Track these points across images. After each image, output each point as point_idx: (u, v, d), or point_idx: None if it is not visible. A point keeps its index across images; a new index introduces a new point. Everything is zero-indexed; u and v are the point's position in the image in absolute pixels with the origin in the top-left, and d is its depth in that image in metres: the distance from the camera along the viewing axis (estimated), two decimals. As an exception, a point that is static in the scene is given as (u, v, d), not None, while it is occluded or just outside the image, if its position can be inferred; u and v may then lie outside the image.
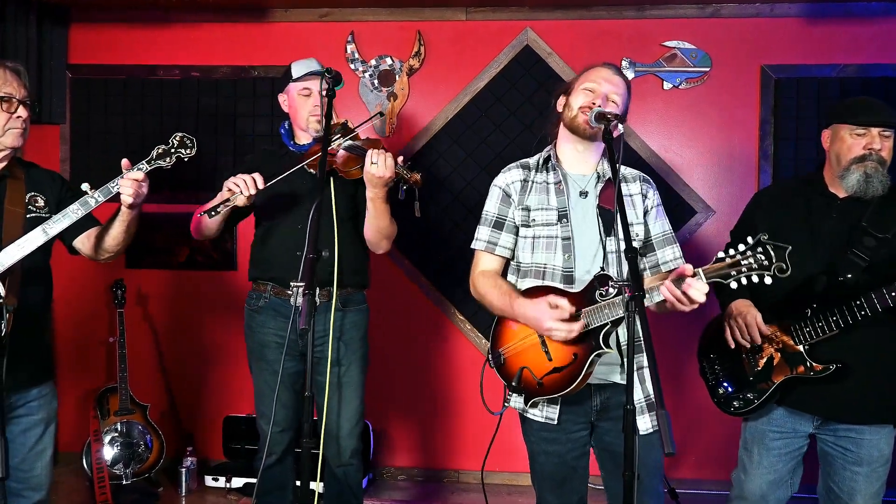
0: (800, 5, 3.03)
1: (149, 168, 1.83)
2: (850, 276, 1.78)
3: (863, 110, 1.85)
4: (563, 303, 1.62)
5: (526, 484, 3.21)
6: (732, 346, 1.89)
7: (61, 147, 3.35)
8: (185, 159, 1.89)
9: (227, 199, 2.01)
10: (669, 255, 1.79)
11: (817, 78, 3.05)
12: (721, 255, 1.54)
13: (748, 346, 1.87)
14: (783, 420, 1.92)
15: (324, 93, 1.87)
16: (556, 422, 1.72)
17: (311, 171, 2.10)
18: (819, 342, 1.82)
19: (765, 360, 1.90)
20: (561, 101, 1.81)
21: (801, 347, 1.83)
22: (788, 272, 1.49)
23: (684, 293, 1.52)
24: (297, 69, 2.21)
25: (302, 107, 2.19)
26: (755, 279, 1.51)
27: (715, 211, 3.13)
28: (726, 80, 3.10)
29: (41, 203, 1.87)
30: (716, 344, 2.02)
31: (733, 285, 1.53)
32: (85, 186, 1.79)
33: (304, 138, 2.23)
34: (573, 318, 1.62)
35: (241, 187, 1.98)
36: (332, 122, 2.18)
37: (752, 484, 1.95)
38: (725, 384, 1.97)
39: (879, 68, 3.02)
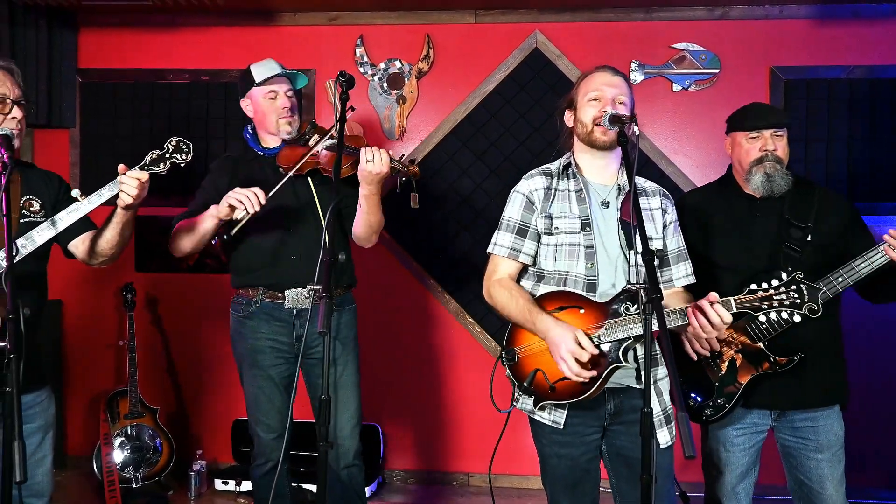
0: (808, 7, 3.03)
1: (147, 174, 1.77)
2: (790, 268, 1.84)
3: (753, 115, 1.98)
4: (588, 345, 1.60)
5: (534, 487, 3.20)
6: (695, 358, 1.91)
7: (71, 151, 3.36)
8: (182, 165, 1.80)
9: (235, 218, 1.97)
10: (683, 270, 1.81)
11: (827, 79, 3.05)
12: (754, 286, 1.59)
13: (708, 353, 1.90)
14: (742, 416, 1.97)
15: (339, 96, 1.85)
16: (561, 426, 1.72)
17: (287, 173, 2.07)
18: (776, 336, 1.88)
19: (727, 363, 1.93)
20: (568, 116, 1.82)
21: (761, 344, 1.89)
22: (819, 314, 1.58)
23: (709, 321, 1.56)
24: (259, 72, 2.17)
25: (269, 110, 2.16)
26: (784, 315, 1.59)
27: (724, 213, 3.12)
28: (736, 82, 3.10)
29: (36, 207, 1.82)
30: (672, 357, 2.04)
31: (762, 318, 1.62)
32: (75, 192, 1.74)
33: (271, 142, 2.20)
34: (588, 364, 1.60)
35: (246, 203, 1.93)
36: (301, 123, 2.18)
37: (724, 480, 2.00)
38: (693, 395, 1.99)
39: (888, 69, 3.02)
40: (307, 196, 2.11)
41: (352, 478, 2.17)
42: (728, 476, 2.00)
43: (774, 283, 1.58)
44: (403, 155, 1.95)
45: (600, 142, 1.73)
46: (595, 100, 1.73)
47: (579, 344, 1.59)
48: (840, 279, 1.81)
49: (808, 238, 1.90)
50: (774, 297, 1.56)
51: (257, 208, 1.94)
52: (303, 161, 2.07)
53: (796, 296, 1.56)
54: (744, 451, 1.98)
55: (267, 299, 2.14)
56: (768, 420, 1.98)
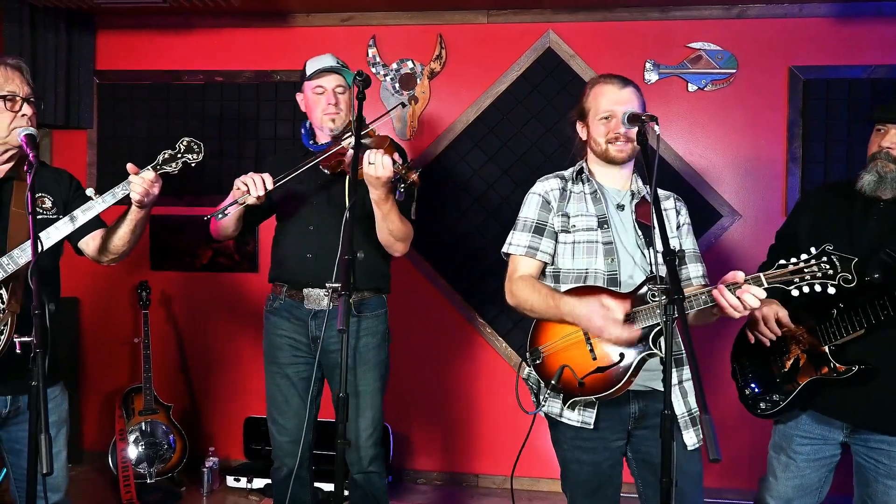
0: (829, 5, 2.97)
1: (154, 174, 1.79)
2: (877, 275, 1.72)
3: (884, 106, 1.80)
4: (614, 305, 1.59)
5: (544, 489, 3.18)
6: (752, 340, 1.85)
7: (88, 151, 3.41)
8: (193, 164, 1.82)
9: (238, 199, 1.98)
10: (698, 271, 1.81)
11: (847, 79, 2.98)
12: (783, 261, 1.54)
13: (768, 342, 1.83)
14: (811, 426, 1.89)
15: (355, 95, 1.82)
16: (591, 426, 1.69)
17: (325, 171, 2.06)
18: (846, 344, 1.78)
19: (791, 361, 1.87)
20: (581, 128, 1.84)
21: (826, 348, 1.80)
22: (854, 283, 1.49)
23: (739, 298, 1.52)
24: (310, 66, 2.15)
25: (316, 105, 2.13)
26: (818, 288, 1.52)
27: (741, 215, 3.07)
28: (753, 82, 3.04)
29: (48, 204, 1.83)
30: (746, 346, 2.00)
31: (794, 293, 1.54)
32: (89, 191, 1.76)
33: (322, 138, 2.18)
34: (625, 320, 1.60)
35: (250, 186, 1.93)
36: (348, 122, 2.14)
37: (779, 488, 1.92)
38: (753, 385, 1.96)
39: (912, 69, 2.95)
40: (340, 197, 2.04)
41: (370, 482, 2.16)
42: (783, 484, 1.91)
43: (804, 256, 1.52)
44: (409, 161, 1.86)
45: (618, 159, 1.76)
46: (606, 119, 1.75)
47: (608, 308, 1.58)
48: None
49: None
50: (805, 270, 1.51)
51: (261, 192, 1.93)
52: (324, 158, 2.04)
53: (828, 266, 1.49)
54: (808, 463, 1.88)
55: (289, 297, 2.14)
56: (839, 435, 1.85)
